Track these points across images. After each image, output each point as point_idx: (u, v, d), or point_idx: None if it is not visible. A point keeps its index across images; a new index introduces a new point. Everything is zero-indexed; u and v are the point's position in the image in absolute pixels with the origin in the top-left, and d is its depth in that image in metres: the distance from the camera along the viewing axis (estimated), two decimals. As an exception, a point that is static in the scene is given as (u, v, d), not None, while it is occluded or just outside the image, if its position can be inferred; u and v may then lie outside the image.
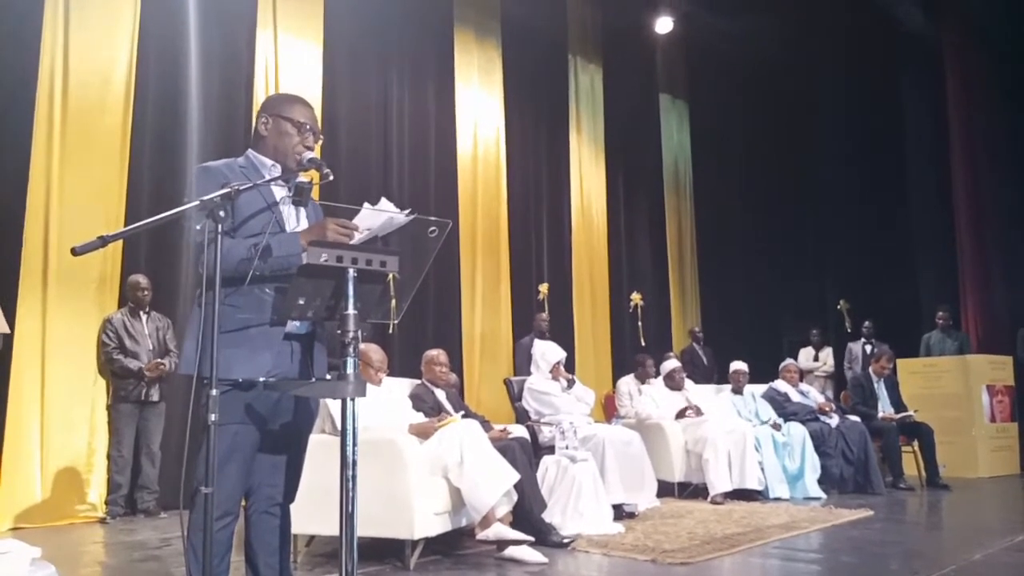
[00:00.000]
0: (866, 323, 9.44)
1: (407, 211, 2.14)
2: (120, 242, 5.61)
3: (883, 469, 6.58)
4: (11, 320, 4.92)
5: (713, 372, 9.21)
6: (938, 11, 10.14)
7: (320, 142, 2.36)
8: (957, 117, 10.08)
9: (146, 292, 5.51)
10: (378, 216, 2.11)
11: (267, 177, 2.23)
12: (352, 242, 2.10)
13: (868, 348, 9.23)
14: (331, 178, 2.15)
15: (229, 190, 1.95)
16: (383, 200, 2.14)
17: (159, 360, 5.42)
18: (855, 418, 6.80)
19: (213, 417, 1.85)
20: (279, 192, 2.27)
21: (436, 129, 8.27)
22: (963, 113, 10.06)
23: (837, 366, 9.90)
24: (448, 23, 8.51)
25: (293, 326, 2.20)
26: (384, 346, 4.54)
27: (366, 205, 2.14)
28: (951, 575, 3.40)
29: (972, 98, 10.05)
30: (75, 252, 1.78)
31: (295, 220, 2.29)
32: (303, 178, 2.29)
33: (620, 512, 4.84)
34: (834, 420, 6.67)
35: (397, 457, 3.62)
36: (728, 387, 7.01)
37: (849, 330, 9.99)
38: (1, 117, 5.33)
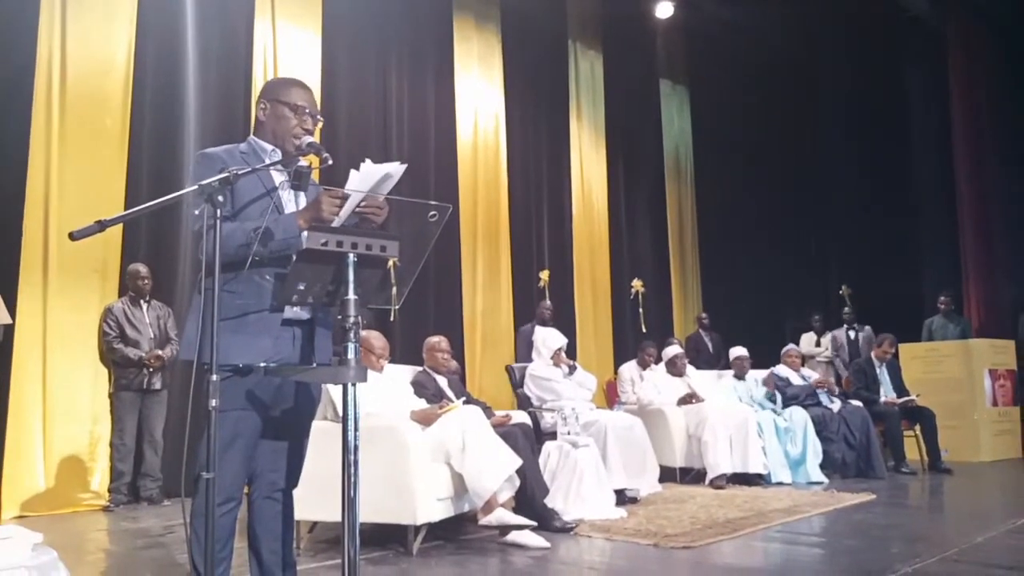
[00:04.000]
0: (845, 309, 9.42)
1: (398, 162, 2.12)
2: (120, 231, 5.61)
3: (885, 454, 6.59)
4: (12, 310, 4.91)
5: (719, 358, 9.21)
6: (942, -5, 10.09)
7: (320, 124, 2.34)
8: (960, 102, 10.02)
9: (146, 281, 5.51)
10: (371, 175, 2.09)
11: (267, 163, 2.22)
12: (349, 204, 2.08)
13: (851, 334, 9.26)
14: (330, 163, 2.13)
15: (227, 174, 1.93)
16: (367, 162, 2.11)
17: (158, 352, 5.42)
18: (857, 403, 6.80)
19: (214, 403, 1.84)
20: (278, 178, 2.26)
21: (436, 117, 8.24)
22: (966, 98, 9.99)
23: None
24: (447, 10, 8.46)
25: (293, 311, 2.19)
26: (385, 333, 4.54)
27: (352, 172, 2.12)
28: (953, 558, 3.40)
29: (976, 83, 9.99)
30: (73, 237, 1.77)
31: (294, 205, 2.27)
32: (303, 163, 2.28)
33: (622, 497, 4.85)
34: (836, 405, 6.67)
35: (399, 443, 3.62)
36: (729, 373, 7.01)
37: (852, 315, 9.98)
38: (-1, 106, 5.32)
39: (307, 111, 2.27)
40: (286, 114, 2.26)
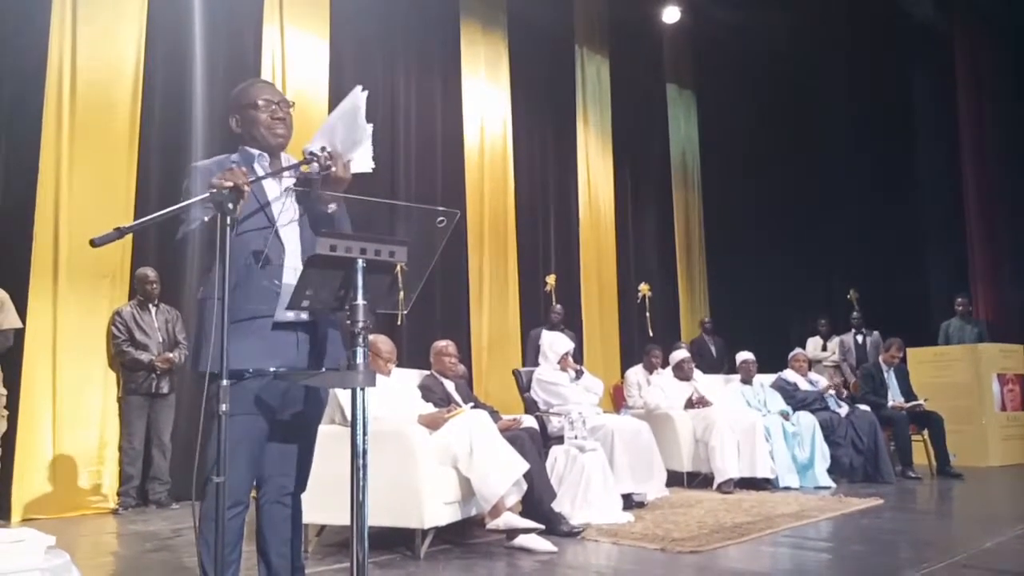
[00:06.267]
0: (854, 314, 9.41)
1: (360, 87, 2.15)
2: (129, 236, 5.63)
3: (893, 458, 6.56)
4: (22, 314, 4.95)
5: (723, 363, 9.20)
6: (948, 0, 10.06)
7: (293, 107, 2.37)
8: (966, 106, 10.00)
9: (154, 285, 5.54)
10: (339, 122, 2.12)
11: (257, 167, 2.26)
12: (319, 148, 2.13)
13: (859, 338, 9.25)
14: (334, 169, 2.14)
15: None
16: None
17: (168, 354, 5.45)
18: (865, 407, 6.78)
19: (223, 407, 1.85)
20: (271, 191, 2.27)
21: (443, 122, 8.27)
22: (973, 102, 9.98)
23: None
24: (454, 16, 8.50)
25: (300, 317, 2.20)
26: (392, 337, 4.55)
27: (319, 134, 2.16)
28: (962, 563, 3.39)
29: (982, 87, 9.97)
30: (94, 244, 1.78)
31: (294, 213, 2.28)
32: (305, 169, 2.29)
33: (629, 501, 4.85)
34: (843, 409, 6.66)
35: (407, 447, 3.63)
36: (736, 377, 7.00)
37: (860, 319, 9.95)
38: (10, 112, 5.36)
39: (271, 102, 2.31)
40: (252, 114, 2.30)
